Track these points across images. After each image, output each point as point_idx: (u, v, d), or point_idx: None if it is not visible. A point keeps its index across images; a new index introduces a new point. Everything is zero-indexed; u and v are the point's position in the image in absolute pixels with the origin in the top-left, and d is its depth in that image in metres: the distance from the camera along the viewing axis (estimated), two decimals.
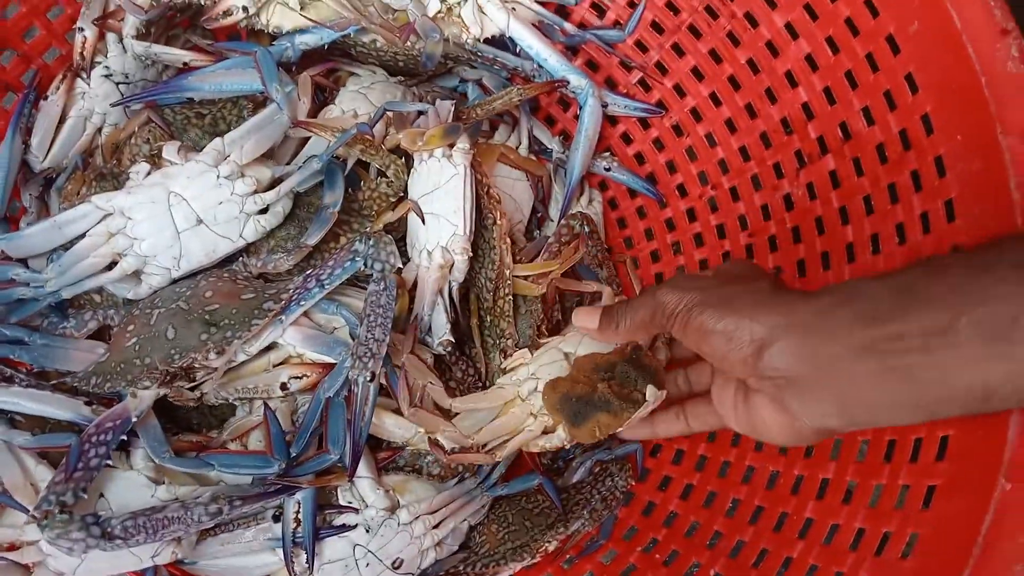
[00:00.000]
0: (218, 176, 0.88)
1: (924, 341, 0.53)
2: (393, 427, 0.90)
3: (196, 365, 0.82)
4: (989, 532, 0.63)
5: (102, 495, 0.82)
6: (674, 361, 0.86)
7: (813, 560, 0.78)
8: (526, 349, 0.88)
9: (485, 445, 0.84)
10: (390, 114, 0.96)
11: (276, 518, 0.87)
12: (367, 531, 0.87)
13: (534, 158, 1.09)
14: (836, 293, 0.59)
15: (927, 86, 0.79)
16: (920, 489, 0.72)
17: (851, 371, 0.56)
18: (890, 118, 0.83)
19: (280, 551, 0.86)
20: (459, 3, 1.00)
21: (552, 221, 1.10)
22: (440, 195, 0.90)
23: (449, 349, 0.91)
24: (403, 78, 1.08)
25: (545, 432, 0.84)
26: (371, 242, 0.86)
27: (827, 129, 0.91)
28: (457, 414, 0.88)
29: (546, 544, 0.92)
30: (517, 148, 1.08)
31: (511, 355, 0.92)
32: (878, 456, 0.77)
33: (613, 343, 0.81)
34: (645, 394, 0.75)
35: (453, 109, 0.93)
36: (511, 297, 0.93)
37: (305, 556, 0.85)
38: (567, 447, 0.85)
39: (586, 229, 1.01)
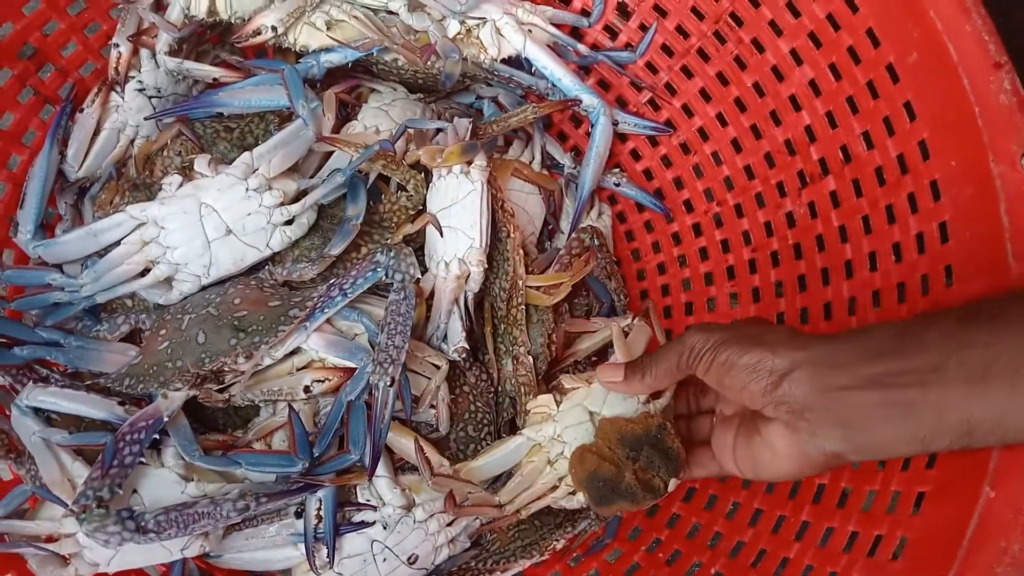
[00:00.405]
0: (247, 189, 0.93)
1: (921, 377, 0.61)
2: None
3: (225, 369, 0.86)
4: (974, 536, 0.67)
5: (135, 491, 0.86)
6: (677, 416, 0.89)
7: (809, 560, 0.82)
8: (550, 396, 0.88)
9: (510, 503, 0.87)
10: (411, 131, 1.01)
11: (298, 514, 0.91)
12: (384, 528, 0.92)
13: (547, 173, 1.14)
14: (847, 335, 0.67)
15: (924, 114, 0.83)
16: (911, 495, 0.76)
17: (858, 401, 0.62)
18: (888, 143, 0.88)
19: (302, 546, 0.90)
20: (478, 25, 1.05)
21: (563, 233, 1.14)
22: (458, 209, 0.95)
23: (464, 356, 0.95)
24: (422, 95, 1.12)
25: (568, 493, 0.86)
26: (392, 254, 0.90)
27: (828, 151, 0.95)
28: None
29: (554, 543, 0.96)
30: (531, 163, 1.12)
31: (523, 363, 0.96)
32: (872, 464, 0.81)
33: (639, 395, 0.84)
34: (667, 485, 0.79)
35: (470, 127, 0.98)
36: (524, 306, 0.98)
37: (326, 551, 0.89)
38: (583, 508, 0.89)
39: (596, 242, 1.05)
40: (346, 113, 1.10)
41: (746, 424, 0.73)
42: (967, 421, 0.60)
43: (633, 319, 0.91)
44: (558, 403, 0.87)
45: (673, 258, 1.14)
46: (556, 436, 0.85)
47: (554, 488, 0.86)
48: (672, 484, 0.80)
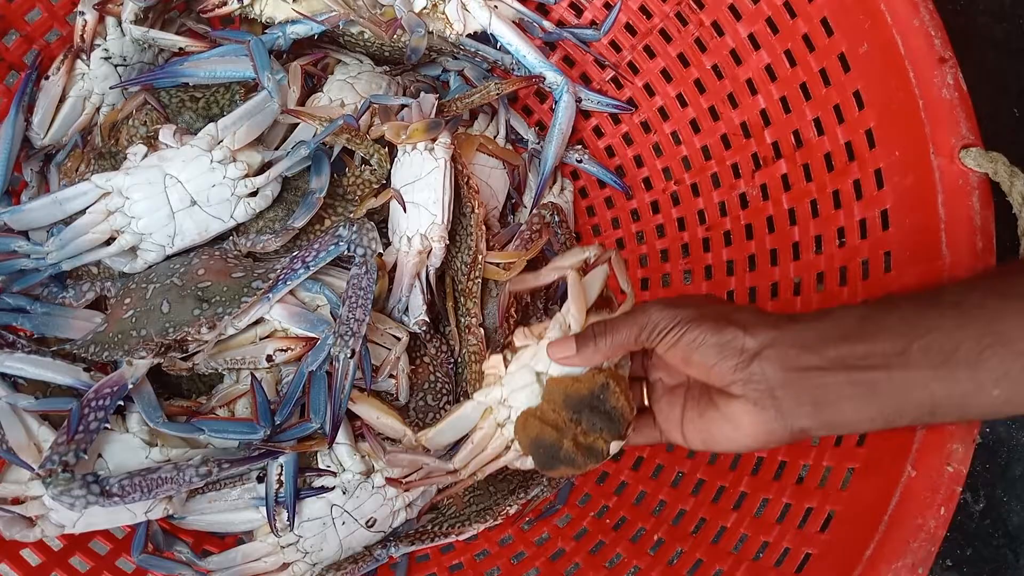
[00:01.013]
0: (211, 160, 0.94)
1: (885, 360, 0.63)
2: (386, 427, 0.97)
3: (189, 338, 0.89)
4: (894, 512, 0.71)
5: (100, 456, 0.89)
6: None
7: (744, 530, 0.86)
8: (500, 357, 0.83)
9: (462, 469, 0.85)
10: (376, 105, 1.02)
11: (260, 479, 0.94)
12: (344, 493, 0.95)
13: (511, 148, 1.15)
14: (812, 316, 0.69)
15: (872, 103, 0.86)
16: (841, 471, 0.80)
17: (826, 381, 0.64)
18: (838, 130, 0.91)
19: (263, 509, 0.93)
20: (444, 0, 1.06)
21: (526, 208, 1.16)
22: (421, 186, 0.97)
23: (424, 328, 0.98)
24: (388, 67, 1.13)
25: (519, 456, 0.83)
26: (354, 228, 0.93)
27: (781, 136, 0.98)
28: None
29: (507, 508, 1.00)
30: (495, 137, 1.14)
31: (475, 332, 0.99)
32: (807, 440, 0.85)
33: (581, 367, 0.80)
34: (609, 448, 0.76)
35: (436, 103, 0.99)
36: (480, 280, 1.00)
37: (286, 514, 0.93)
38: None
39: (556, 219, 1.08)
40: (312, 84, 1.11)
41: (698, 398, 0.74)
42: (930, 402, 0.63)
43: (592, 255, 0.81)
44: (507, 364, 0.82)
45: (632, 234, 1.17)
46: (503, 400, 0.81)
47: (506, 450, 0.83)
48: (615, 446, 0.77)
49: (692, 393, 0.75)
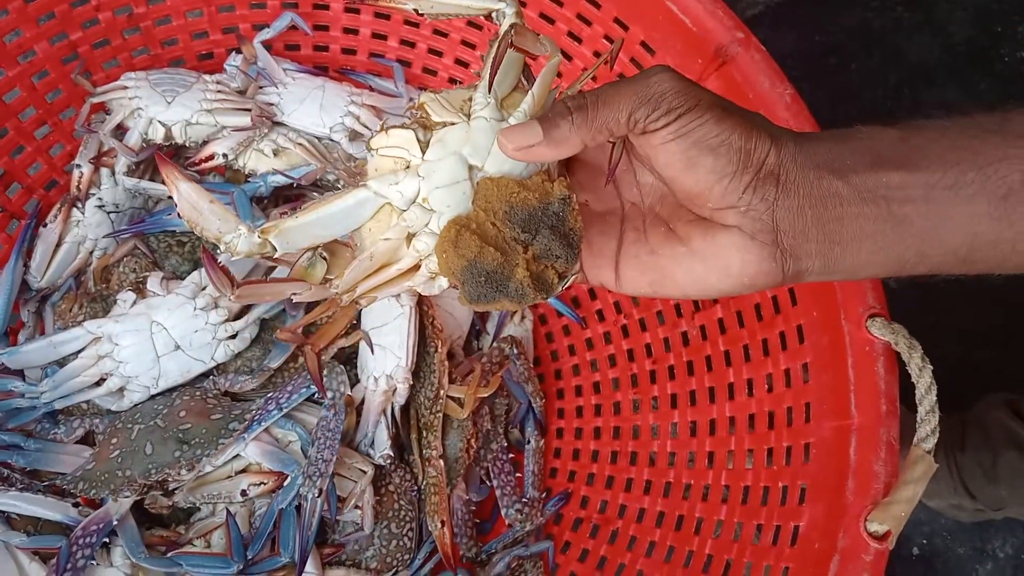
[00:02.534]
0: (195, 308, 1.03)
1: (927, 192, 0.53)
2: None
3: (169, 479, 0.97)
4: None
5: None
6: None
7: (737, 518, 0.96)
8: (410, 132, 0.59)
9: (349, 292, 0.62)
10: None
11: None
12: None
13: None
14: (836, 136, 0.57)
15: None
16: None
17: (846, 212, 0.54)
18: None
19: None
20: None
21: (488, 335, 1.25)
22: (388, 330, 1.06)
23: (389, 461, 1.06)
24: None
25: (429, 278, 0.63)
26: (324, 371, 1.01)
27: None
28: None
29: None
30: None
31: (435, 464, 1.06)
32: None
33: (545, 161, 0.60)
34: (562, 279, 0.60)
35: None
36: (441, 413, 1.09)
37: None
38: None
39: (515, 351, 1.16)
40: None
41: (645, 229, 0.61)
42: (967, 245, 0.53)
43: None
44: (423, 145, 0.59)
45: (587, 362, 1.25)
46: (419, 199, 0.58)
47: (412, 271, 0.61)
48: (570, 280, 0.61)
49: (634, 224, 0.62)
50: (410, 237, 0.59)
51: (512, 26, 0.59)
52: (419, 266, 0.60)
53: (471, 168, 0.58)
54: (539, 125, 0.55)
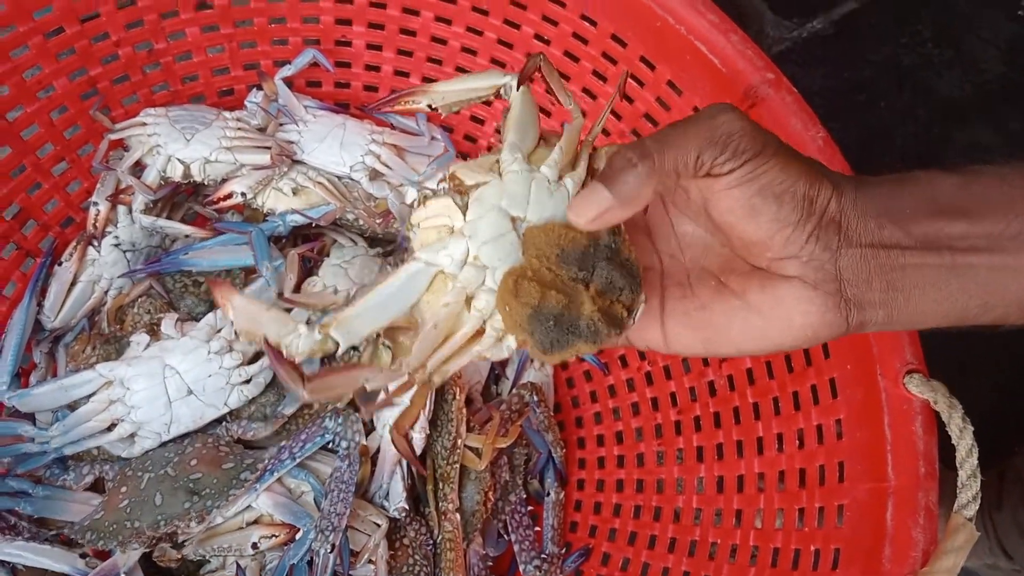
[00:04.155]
0: (209, 352, 1.01)
1: (990, 243, 0.52)
2: None
3: (179, 531, 0.94)
4: None
5: None
6: None
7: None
8: (448, 200, 0.59)
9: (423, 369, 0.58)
10: None
11: None
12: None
13: None
14: (895, 181, 0.55)
15: None
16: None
17: (908, 262, 0.52)
18: None
19: None
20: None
21: (508, 379, 1.22)
22: None
23: (403, 514, 1.03)
24: (381, 248, 1.21)
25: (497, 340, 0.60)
26: (339, 420, 0.98)
27: None
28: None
29: None
30: None
31: (451, 519, 1.03)
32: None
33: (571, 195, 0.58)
34: (630, 312, 0.56)
35: None
36: (458, 464, 1.05)
37: None
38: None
39: (534, 398, 1.13)
40: (309, 265, 1.17)
41: (693, 284, 0.58)
42: None
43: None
44: (462, 209, 0.58)
45: (609, 410, 1.22)
46: (470, 258, 0.57)
47: (478, 335, 0.58)
48: (639, 311, 0.57)
49: (677, 279, 0.59)
50: (469, 300, 0.58)
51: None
52: (484, 330, 0.58)
53: (514, 220, 0.57)
54: (604, 187, 0.51)
